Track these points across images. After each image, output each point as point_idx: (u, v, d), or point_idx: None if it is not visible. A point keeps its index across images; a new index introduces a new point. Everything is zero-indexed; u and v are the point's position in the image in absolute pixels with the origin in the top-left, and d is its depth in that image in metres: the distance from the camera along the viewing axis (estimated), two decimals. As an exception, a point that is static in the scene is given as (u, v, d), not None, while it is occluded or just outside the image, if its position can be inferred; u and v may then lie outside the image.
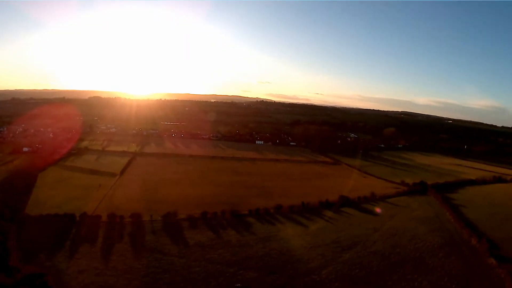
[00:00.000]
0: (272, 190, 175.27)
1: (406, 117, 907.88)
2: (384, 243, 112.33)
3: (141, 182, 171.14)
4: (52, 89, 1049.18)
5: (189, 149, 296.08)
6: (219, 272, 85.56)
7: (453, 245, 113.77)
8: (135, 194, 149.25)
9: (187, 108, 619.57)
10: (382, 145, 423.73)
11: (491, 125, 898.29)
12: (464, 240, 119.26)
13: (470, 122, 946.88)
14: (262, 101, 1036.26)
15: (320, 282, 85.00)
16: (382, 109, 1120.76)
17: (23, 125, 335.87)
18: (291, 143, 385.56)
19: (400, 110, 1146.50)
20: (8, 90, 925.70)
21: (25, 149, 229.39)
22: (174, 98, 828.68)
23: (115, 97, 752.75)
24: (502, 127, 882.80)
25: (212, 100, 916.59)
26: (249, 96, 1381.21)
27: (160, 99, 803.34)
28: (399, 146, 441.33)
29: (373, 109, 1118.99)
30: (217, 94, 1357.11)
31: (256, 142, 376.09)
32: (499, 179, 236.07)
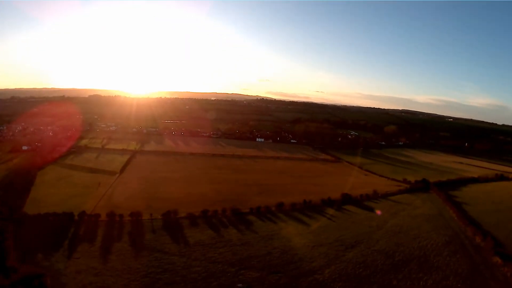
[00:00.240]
0: (273, 188, 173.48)
1: (407, 115, 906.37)
2: (388, 242, 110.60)
3: (141, 180, 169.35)
4: (52, 88, 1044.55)
5: (189, 147, 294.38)
6: (220, 272, 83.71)
7: (457, 243, 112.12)
8: (135, 192, 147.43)
9: (187, 106, 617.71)
10: (383, 143, 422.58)
11: (492, 123, 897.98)
12: (468, 238, 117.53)
13: (471, 120, 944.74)
14: (263, 99, 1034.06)
15: (324, 281, 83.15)
16: (382, 107, 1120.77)
17: (22, 124, 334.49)
18: (292, 141, 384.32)
19: (400, 108, 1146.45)
20: (8, 89, 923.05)
21: (24, 147, 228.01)
22: (174, 96, 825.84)
23: (115, 96, 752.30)
24: (503, 125, 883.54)
25: (212, 98, 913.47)
26: (249, 94, 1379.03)
27: (160, 97, 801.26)
28: (400, 143, 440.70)
29: (374, 107, 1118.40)
30: (217, 92, 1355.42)
31: (257, 139, 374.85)
32: (501, 177, 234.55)
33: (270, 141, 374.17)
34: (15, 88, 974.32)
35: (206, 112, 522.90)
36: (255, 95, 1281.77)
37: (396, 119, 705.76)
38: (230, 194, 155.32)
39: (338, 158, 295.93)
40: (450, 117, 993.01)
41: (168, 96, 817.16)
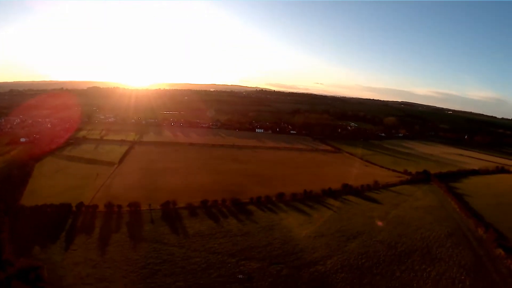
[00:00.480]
0: (273, 178, 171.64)
1: (406, 107, 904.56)
2: (390, 233, 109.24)
3: (140, 171, 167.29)
4: (50, 81, 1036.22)
5: (188, 137, 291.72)
6: (220, 263, 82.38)
7: (460, 235, 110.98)
8: (133, 183, 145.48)
9: (186, 98, 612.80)
10: (383, 134, 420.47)
11: (491, 117, 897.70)
12: (470, 230, 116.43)
13: (470, 113, 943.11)
14: (262, 90, 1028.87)
15: (326, 273, 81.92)
16: (382, 99, 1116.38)
17: (21, 116, 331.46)
18: (292, 132, 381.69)
19: (400, 100, 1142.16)
20: (6, 82, 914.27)
21: (22, 139, 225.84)
22: (174, 88, 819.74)
23: (114, 87, 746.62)
24: (502, 118, 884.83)
25: (212, 90, 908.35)
26: (249, 85, 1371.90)
27: (159, 88, 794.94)
28: (400, 135, 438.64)
29: (373, 99, 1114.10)
30: (216, 83, 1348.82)
31: (256, 130, 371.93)
32: (502, 170, 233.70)
33: (270, 132, 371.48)
34: (14, 82, 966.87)
35: (205, 103, 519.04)
36: (254, 86, 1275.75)
37: (395, 111, 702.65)
38: (230, 184, 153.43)
39: (338, 149, 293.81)
40: (450, 110, 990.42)
41: (167, 88, 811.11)
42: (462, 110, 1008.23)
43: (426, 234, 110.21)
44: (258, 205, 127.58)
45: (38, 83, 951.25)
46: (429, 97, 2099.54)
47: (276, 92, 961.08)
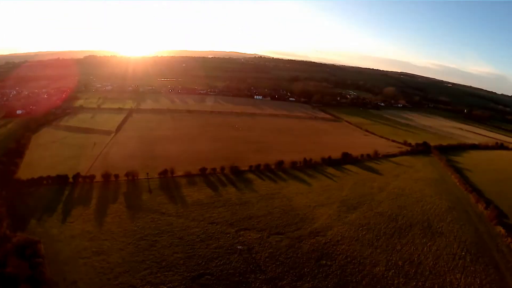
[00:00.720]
0: (272, 146, 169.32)
1: (406, 77, 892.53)
2: (391, 204, 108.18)
3: (137, 139, 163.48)
4: (47, 51, 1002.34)
5: (186, 104, 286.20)
6: (220, 233, 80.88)
7: (460, 210, 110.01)
8: (131, 152, 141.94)
9: (184, 64, 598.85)
10: (382, 104, 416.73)
11: (491, 92, 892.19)
12: (471, 205, 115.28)
13: (470, 87, 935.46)
14: (260, 57, 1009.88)
15: (327, 244, 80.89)
16: (381, 69, 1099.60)
17: (17, 88, 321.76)
18: (290, 99, 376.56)
19: (399, 71, 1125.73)
20: (1, 55, 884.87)
21: (18, 111, 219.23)
22: (171, 55, 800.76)
23: (111, 56, 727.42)
24: (502, 94, 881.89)
25: (210, 56, 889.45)
26: (247, 52, 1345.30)
27: (157, 56, 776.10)
28: (399, 105, 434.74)
29: (373, 68, 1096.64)
30: (214, 50, 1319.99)
31: (255, 97, 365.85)
32: (501, 146, 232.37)
33: (268, 98, 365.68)
34: (9, 54, 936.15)
35: (203, 70, 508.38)
36: (253, 53, 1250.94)
37: (395, 81, 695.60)
38: (229, 152, 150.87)
39: (337, 117, 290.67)
40: (449, 83, 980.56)
41: (164, 56, 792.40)
42: (462, 83, 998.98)
43: (427, 207, 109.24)
44: (257, 173, 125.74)
45: (34, 54, 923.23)
46: (429, 69, 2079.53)
47: (275, 59, 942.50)
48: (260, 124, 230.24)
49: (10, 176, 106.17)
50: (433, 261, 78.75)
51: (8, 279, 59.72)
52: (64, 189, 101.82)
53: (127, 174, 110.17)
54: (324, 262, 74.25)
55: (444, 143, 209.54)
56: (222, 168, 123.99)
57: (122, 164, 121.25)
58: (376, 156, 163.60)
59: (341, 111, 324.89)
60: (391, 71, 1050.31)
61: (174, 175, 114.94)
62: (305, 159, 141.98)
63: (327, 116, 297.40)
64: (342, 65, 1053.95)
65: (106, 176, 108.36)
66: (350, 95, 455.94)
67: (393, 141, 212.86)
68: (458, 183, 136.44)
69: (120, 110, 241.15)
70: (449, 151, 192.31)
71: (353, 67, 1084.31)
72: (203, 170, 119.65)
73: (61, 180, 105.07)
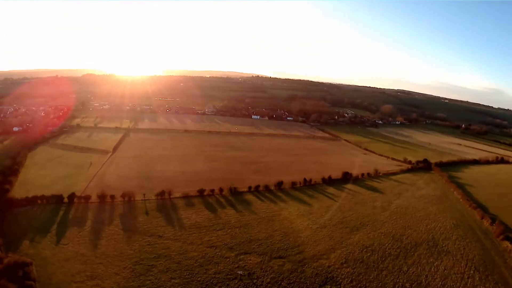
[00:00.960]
0: (271, 166, 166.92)
1: (403, 95, 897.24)
2: (394, 224, 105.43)
3: (134, 159, 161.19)
4: (45, 69, 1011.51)
5: (184, 124, 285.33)
6: (219, 257, 77.48)
7: (465, 227, 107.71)
8: (127, 172, 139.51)
9: (181, 84, 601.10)
10: (380, 122, 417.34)
11: (488, 106, 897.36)
12: (476, 221, 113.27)
13: (467, 102, 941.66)
14: (258, 76, 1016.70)
15: (330, 267, 77.62)
16: (378, 86, 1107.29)
17: (14, 105, 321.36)
18: (288, 118, 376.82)
19: (396, 88, 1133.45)
20: (0, 72, 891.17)
21: (15, 128, 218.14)
22: (169, 75, 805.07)
23: (109, 75, 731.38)
24: (499, 108, 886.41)
25: (207, 76, 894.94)
26: (244, 71, 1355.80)
27: (155, 75, 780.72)
28: (397, 123, 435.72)
29: (369, 86, 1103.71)
30: (212, 70, 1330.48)
31: (252, 117, 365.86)
32: (501, 160, 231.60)
33: (266, 118, 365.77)
34: (8, 71, 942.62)
35: (201, 90, 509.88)
36: (250, 72, 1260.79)
37: (392, 99, 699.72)
38: (227, 172, 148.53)
39: (336, 136, 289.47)
40: (446, 99, 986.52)
41: (162, 75, 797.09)
42: (459, 99, 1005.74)
43: (431, 225, 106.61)
44: (256, 194, 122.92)
45: (33, 71, 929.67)
46: (426, 85, 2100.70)
47: (272, 78, 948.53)
48: (259, 144, 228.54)
49: (4, 194, 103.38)
50: (441, 282, 75.67)
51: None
52: (58, 209, 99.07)
53: (123, 195, 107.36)
54: (329, 286, 70.99)
55: (444, 159, 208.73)
56: (221, 189, 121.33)
57: (118, 185, 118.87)
58: (376, 175, 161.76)
59: (340, 130, 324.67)
60: (387, 89, 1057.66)
61: (171, 197, 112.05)
62: (305, 179, 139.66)
63: (326, 135, 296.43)
64: (339, 84, 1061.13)
65: (102, 196, 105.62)
66: (348, 113, 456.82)
67: (393, 159, 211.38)
68: (461, 199, 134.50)
69: (117, 129, 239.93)
70: (450, 167, 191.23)
71: (350, 85, 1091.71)
72: (201, 191, 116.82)
73: (56, 200, 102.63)
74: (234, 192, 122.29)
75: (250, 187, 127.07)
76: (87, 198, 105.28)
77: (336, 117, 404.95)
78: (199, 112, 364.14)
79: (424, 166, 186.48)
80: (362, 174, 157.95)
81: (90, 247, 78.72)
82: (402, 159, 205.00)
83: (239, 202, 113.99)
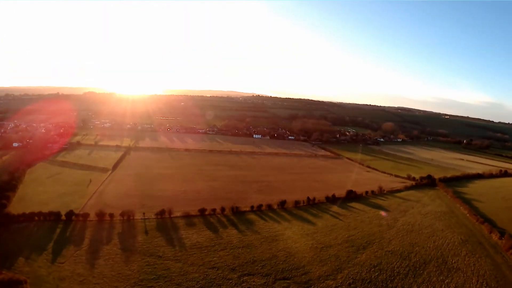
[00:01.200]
0: (273, 185, 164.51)
1: (404, 112, 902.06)
2: (401, 241, 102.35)
3: (134, 177, 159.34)
4: (47, 86, 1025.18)
5: (184, 143, 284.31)
6: (221, 279, 74.49)
7: (474, 242, 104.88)
8: (127, 190, 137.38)
9: (182, 103, 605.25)
10: (382, 139, 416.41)
11: (488, 121, 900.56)
12: (484, 236, 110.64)
13: (467, 117, 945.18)
14: (258, 96, 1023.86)
15: (337, 288, 74.53)
16: (378, 104, 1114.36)
17: (15, 121, 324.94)
18: (290, 137, 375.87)
19: (396, 106, 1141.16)
20: (2, 87, 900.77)
21: (15, 144, 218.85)
22: (170, 94, 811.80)
23: (110, 93, 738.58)
24: (499, 122, 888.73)
25: (208, 95, 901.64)
26: (245, 91, 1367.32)
27: (155, 94, 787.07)
28: (399, 140, 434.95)
29: (370, 104, 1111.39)
30: (213, 89, 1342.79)
31: (254, 136, 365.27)
32: (505, 173, 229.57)
33: (267, 137, 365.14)
34: (10, 87, 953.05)
35: (201, 109, 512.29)
36: (251, 92, 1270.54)
37: (392, 116, 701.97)
38: (229, 191, 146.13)
39: (338, 155, 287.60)
40: (447, 114, 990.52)
41: (163, 94, 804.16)
42: (460, 115, 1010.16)
43: (439, 242, 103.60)
44: (259, 214, 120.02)
45: (34, 88, 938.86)
46: (426, 102, 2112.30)
47: (273, 98, 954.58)
48: (260, 163, 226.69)
49: (1, 210, 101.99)
50: (453, 302, 72.53)
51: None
52: (56, 226, 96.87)
53: (122, 214, 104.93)
54: (336, 308, 68.03)
55: (448, 174, 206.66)
56: (222, 209, 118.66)
57: (117, 203, 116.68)
58: (381, 192, 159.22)
59: (341, 148, 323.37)
60: (388, 106, 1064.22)
61: (171, 216, 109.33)
62: (308, 198, 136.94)
63: (328, 153, 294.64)
64: (340, 102, 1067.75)
65: (100, 215, 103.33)
66: (349, 132, 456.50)
67: (397, 176, 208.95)
68: (468, 214, 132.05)
69: (117, 147, 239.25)
70: (455, 182, 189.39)
71: (350, 103, 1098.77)
72: (202, 210, 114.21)
73: (53, 217, 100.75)
74: (236, 211, 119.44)
75: (252, 207, 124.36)
76: (85, 216, 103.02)
77: (338, 136, 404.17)
78: (200, 131, 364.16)
79: (428, 182, 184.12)
80: (366, 192, 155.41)
81: (87, 266, 76.07)
82: (405, 176, 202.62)
83: (241, 222, 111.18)
